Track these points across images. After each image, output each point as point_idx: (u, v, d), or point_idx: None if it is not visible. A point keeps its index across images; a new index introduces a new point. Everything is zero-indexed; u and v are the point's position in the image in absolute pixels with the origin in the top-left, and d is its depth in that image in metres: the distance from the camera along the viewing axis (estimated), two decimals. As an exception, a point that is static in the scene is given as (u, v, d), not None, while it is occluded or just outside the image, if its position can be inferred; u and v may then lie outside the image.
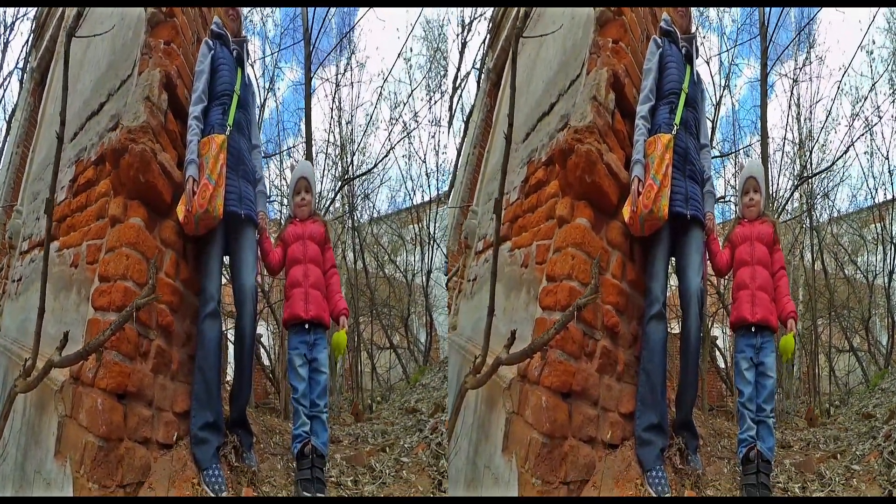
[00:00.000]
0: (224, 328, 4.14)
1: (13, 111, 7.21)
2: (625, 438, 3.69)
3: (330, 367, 8.20)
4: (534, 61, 4.63)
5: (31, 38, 6.45)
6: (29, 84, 6.41)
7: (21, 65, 6.78)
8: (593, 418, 3.52)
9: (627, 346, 3.81)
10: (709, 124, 4.15)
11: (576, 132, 3.49)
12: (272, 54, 9.30)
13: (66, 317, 3.84)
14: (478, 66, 8.27)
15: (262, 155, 4.55)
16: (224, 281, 4.16)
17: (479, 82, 7.58)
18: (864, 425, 4.60)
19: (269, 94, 9.21)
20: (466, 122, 8.30)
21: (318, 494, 3.82)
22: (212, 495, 3.51)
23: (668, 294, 3.82)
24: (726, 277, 7.82)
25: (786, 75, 9.39)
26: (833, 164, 9.27)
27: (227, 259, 4.12)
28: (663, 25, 4.04)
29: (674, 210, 3.70)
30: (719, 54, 9.08)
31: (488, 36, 7.06)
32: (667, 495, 3.46)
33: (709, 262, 4.04)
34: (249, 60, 4.39)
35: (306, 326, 4.08)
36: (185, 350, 3.96)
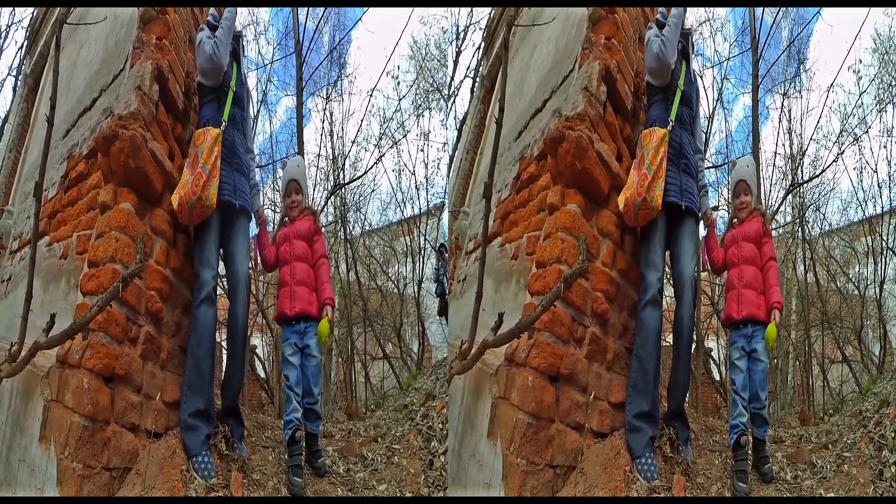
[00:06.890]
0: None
1: (6, 116, 7.26)
2: (614, 428, 3.68)
3: (324, 376, 8.20)
4: (527, 64, 4.71)
5: (25, 45, 6.50)
6: (22, 90, 6.45)
7: (14, 71, 6.83)
8: (581, 405, 3.51)
9: (618, 335, 3.81)
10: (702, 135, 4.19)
11: (567, 120, 3.53)
12: (265, 65, 9.41)
13: (55, 307, 3.79)
14: (471, 74, 8.41)
15: (256, 163, 4.59)
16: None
17: (472, 90, 7.66)
18: (855, 420, 4.59)
19: (262, 107, 9.32)
20: (459, 130, 8.37)
21: (320, 460, 3.77)
22: (201, 481, 3.47)
23: (663, 283, 3.83)
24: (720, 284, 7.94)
25: (775, 90, 9.48)
26: (823, 171, 9.35)
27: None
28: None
29: (668, 200, 3.71)
30: (712, 66, 9.19)
31: (482, 44, 7.15)
32: (655, 482, 3.44)
33: (706, 257, 4.14)
34: (245, 55, 4.43)
35: (293, 322, 4.12)
36: (175, 340, 3.95)
